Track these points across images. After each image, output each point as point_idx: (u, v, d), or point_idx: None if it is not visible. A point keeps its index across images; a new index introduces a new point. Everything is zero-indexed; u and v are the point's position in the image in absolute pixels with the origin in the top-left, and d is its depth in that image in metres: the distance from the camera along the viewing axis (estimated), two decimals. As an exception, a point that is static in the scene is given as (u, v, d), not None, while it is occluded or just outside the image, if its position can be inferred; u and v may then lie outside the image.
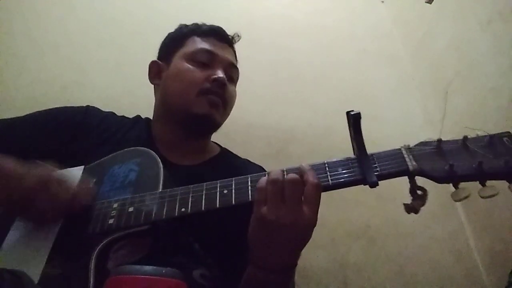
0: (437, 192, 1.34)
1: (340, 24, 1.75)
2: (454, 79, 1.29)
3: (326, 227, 1.26)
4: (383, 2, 1.89)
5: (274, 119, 1.44)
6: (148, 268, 0.46)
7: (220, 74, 0.86)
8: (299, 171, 0.59)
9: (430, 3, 1.56)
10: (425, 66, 1.61)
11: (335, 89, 1.56)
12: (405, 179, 0.60)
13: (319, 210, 0.57)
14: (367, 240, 1.29)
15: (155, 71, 0.95)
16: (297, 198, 0.56)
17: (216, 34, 0.94)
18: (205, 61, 0.89)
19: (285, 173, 0.59)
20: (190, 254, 0.72)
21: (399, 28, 1.79)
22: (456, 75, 1.35)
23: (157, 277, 0.45)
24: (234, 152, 1.01)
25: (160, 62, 0.95)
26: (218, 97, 0.86)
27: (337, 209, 1.30)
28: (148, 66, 0.97)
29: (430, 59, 1.57)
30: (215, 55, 0.90)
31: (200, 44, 0.91)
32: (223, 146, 1.01)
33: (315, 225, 0.57)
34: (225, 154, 0.98)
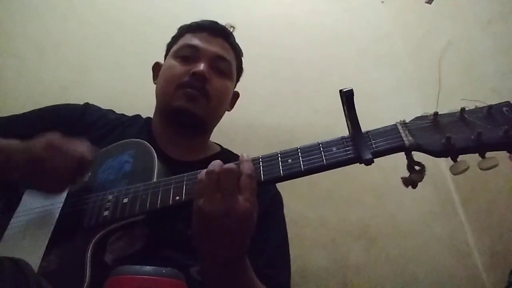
0: (437, 192, 1.36)
1: (340, 24, 1.75)
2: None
3: (326, 227, 1.25)
4: (383, 2, 1.89)
5: (274, 119, 1.44)
6: (148, 268, 0.46)
7: (200, 67, 0.86)
8: (239, 161, 0.58)
9: (430, 3, 1.56)
10: (425, 66, 1.61)
11: (335, 89, 1.54)
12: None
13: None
14: (367, 240, 1.29)
15: (156, 72, 0.98)
16: (230, 188, 0.54)
17: (206, 28, 0.94)
18: (189, 55, 0.90)
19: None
20: (187, 248, 0.71)
21: (399, 28, 1.79)
22: (456, 74, 1.35)
23: (157, 278, 0.45)
24: (234, 152, 1.01)
25: (160, 63, 0.98)
26: (196, 90, 0.86)
27: (337, 209, 1.29)
28: (150, 67, 0.99)
29: (430, 59, 1.57)
30: (198, 48, 0.90)
31: (188, 40, 0.92)
32: (223, 146, 1.01)
33: (251, 215, 0.55)
34: (226, 153, 0.99)
